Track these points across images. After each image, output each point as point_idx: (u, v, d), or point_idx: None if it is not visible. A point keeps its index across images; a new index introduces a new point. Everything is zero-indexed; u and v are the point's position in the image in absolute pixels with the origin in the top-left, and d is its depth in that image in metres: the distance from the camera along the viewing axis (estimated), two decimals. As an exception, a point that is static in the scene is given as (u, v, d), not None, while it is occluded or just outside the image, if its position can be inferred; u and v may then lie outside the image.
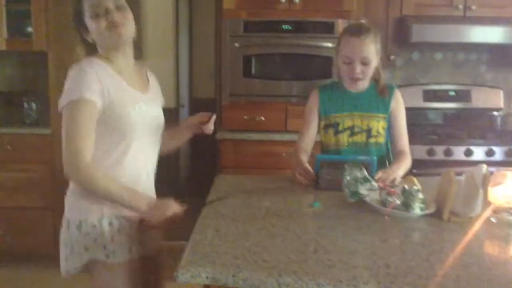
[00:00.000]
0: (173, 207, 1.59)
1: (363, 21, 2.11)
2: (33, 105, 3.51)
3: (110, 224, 1.59)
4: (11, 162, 3.31)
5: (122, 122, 1.57)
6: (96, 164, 1.54)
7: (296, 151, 2.16)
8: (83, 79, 1.51)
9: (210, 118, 1.82)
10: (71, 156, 1.51)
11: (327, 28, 3.21)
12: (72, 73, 1.55)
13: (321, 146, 2.24)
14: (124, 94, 1.59)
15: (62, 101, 1.54)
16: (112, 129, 1.56)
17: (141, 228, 1.63)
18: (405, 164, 2.09)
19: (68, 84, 1.55)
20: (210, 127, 1.84)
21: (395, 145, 2.17)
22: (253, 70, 3.28)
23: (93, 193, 1.55)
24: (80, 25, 1.61)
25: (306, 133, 2.21)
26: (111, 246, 1.57)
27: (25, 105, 3.51)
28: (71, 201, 1.64)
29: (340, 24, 3.17)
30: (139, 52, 1.75)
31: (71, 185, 1.65)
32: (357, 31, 2.03)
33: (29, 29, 3.32)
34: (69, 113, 1.52)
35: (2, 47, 3.30)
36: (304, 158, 2.11)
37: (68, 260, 1.61)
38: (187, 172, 6.00)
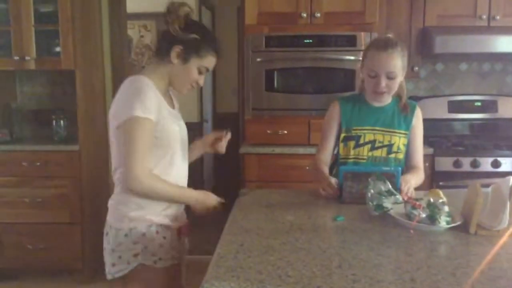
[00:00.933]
0: (213, 200, 1.81)
1: (390, 35, 2.09)
2: (61, 122, 3.59)
3: (157, 232, 1.72)
4: (40, 178, 3.39)
5: (171, 138, 1.74)
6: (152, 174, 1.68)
7: (318, 164, 2.16)
8: (143, 97, 1.62)
9: (225, 135, 2.00)
10: (132, 170, 1.61)
11: (349, 41, 3.21)
12: (131, 89, 1.66)
13: (336, 158, 2.22)
14: (168, 111, 1.74)
15: (122, 115, 1.63)
16: (160, 143, 1.70)
17: (178, 234, 1.81)
18: (418, 176, 2.10)
19: (127, 100, 1.64)
20: (223, 145, 2.02)
21: (409, 160, 2.17)
22: (275, 84, 3.31)
23: (154, 198, 1.69)
24: (187, 50, 1.72)
25: (326, 145, 2.20)
26: (158, 252, 1.71)
27: (54, 122, 3.59)
28: (119, 211, 1.72)
29: (363, 37, 3.18)
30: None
31: (117, 196, 1.75)
32: (384, 44, 2.01)
33: (57, 48, 3.41)
34: (132, 129, 1.61)
35: (32, 66, 3.39)
36: (327, 170, 2.11)
37: (116, 266, 1.71)
38: (211, 186, 6.03)
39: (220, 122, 6.26)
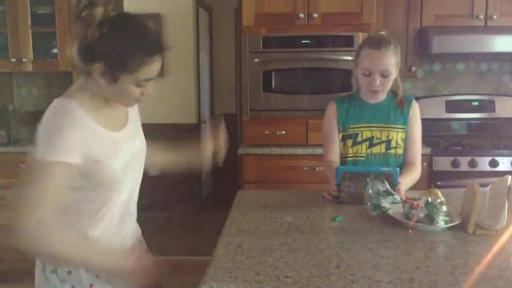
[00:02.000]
0: (148, 276, 1.39)
1: (382, 32, 2.09)
2: (59, 124, 3.58)
3: (87, 271, 1.41)
4: (38, 180, 3.38)
5: (108, 177, 1.39)
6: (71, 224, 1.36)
7: (329, 164, 2.15)
8: (63, 136, 1.28)
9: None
10: (26, 216, 1.25)
11: (347, 42, 3.22)
12: (52, 121, 1.31)
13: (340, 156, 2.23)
14: (104, 144, 1.37)
15: (35, 154, 1.28)
16: (95, 186, 1.38)
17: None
18: (412, 176, 2.09)
19: (43, 135, 1.30)
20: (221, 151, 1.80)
21: (406, 156, 2.16)
22: (273, 85, 3.31)
23: (53, 259, 1.37)
24: (109, 68, 1.30)
25: (332, 145, 2.20)
26: None
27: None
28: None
29: (360, 37, 3.18)
30: (161, 70, 1.68)
31: None
32: (377, 43, 2.02)
33: (54, 50, 3.41)
34: (38, 173, 1.26)
35: (29, 68, 3.39)
36: None
37: None
38: (209, 187, 6.03)
39: (218, 123, 6.25)
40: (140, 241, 1.66)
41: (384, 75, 2.02)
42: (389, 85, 2.07)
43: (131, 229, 1.57)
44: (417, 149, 2.17)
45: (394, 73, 2.05)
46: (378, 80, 2.02)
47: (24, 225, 1.24)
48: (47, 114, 1.32)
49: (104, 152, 1.36)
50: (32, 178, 1.26)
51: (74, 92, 1.38)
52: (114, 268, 1.39)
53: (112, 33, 1.29)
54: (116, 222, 1.47)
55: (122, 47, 1.30)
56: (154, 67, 1.34)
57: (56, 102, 1.34)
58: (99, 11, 1.28)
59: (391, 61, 2.01)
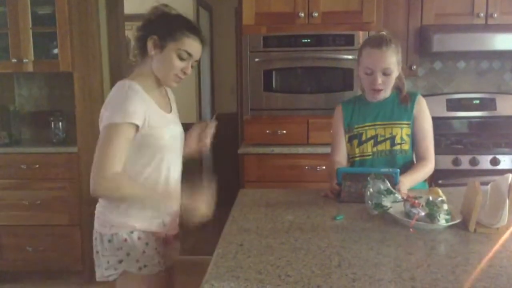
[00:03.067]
0: (202, 211, 1.70)
1: (383, 32, 2.10)
2: (60, 124, 3.59)
3: (139, 238, 1.68)
4: (39, 180, 3.39)
5: (159, 143, 1.68)
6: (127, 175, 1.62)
7: (333, 164, 2.16)
8: (127, 103, 1.58)
9: (210, 122, 1.95)
10: (98, 168, 1.55)
11: (347, 41, 3.21)
12: (117, 94, 1.63)
13: (347, 158, 2.25)
14: (159, 117, 1.69)
15: (104, 120, 1.59)
16: (147, 148, 1.66)
17: (164, 241, 1.76)
18: (420, 174, 2.08)
19: (112, 105, 1.61)
20: (207, 140, 1.94)
21: (417, 151, 2.15)
22: (273, 84, 3.30)
23: (117, 199, 1.65)
24: (160, 38, 1.66)
25: (338, 146, 2.22)
26: (142, 259, 1.67)
27: (52, 124, 3.59)
28: (102, 216, 1.71)
29: (361, 36, 3.18)
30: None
31: (101, 201, 1.73)
32: (378, 42, 2.03)
33: (55, 50, 3.41)
34: (108, 134, 1.57)
35: (29, 68, 3.39)
36: None
37: (107, 270, 1.69)
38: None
39: (219, 122, 6.25)
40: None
41: (386, 73, 2.03)
42: (391, 83, 2.07)
43: (171, 207, 1.77)
44: (428, 143, 2.14)
45: (396, 72, 2.05)
46: (380, 79, 2.03)
47: (104, 177, 1.54)
48: (114, 90, 1.65)
49: (158, 122, 1.66)
50: (107, 138, 1.56)
51: (133, 77, 1.71)
52: (165, 202, 1.72)
53: (165, 15, 1.71)
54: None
55: (170, 23, 1.69)
56: (194, 43, 1.71)
57: (120, 82, 1.67)
58: (162, 7, 1.73)
59: (393, 59, 2.02)
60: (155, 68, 1.71)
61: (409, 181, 1.98)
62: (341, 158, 2.21)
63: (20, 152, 3.41)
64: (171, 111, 1.83)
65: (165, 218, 1.76)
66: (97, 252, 1.72)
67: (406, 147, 2.13)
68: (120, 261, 1.66)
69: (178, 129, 1.83)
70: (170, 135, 1.74)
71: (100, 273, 1.72)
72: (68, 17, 3.30)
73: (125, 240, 1.66)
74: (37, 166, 3.36)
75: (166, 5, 1.74)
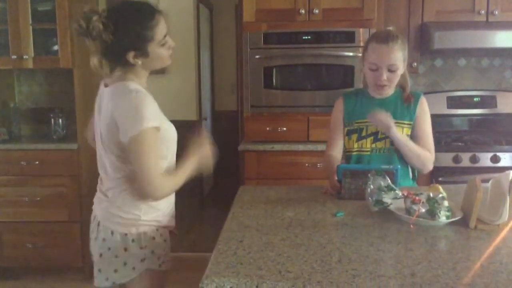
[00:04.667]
0: (208, 151, 1.78)
1: (390, 28, 2.09)
2: (60, 121, 3.58)
3: (161, 235, 1.73)
4: (39, 177, 3.38)
5: (171, 138, 1.73)
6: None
7: (329, 160, 2.16)
8: (145, 106, 1.57)
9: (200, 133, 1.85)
10: (151, 176, 1.57)
11: (348, 38, 3.21)
12: (131, 100, 1.57)
13: (343, 151, 2.24)
14: (162, 115, 1.69)
15: (133, 129, 1.54)
16: (164, 142, 1.68)
17: (172, 234, 1.82)
18: (419, 148, 2.08)
19: (131, 112, 1.56)
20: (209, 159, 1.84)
21: None
22: (274, 81, 3.30)
23: (170, 193, 1.72)
24: (138, 50, 1.60)
25: (335, 141, 2.21)
26: (162, 255, 1.72)
27: (52, 121, 3.59)
28: (120, 216, 1.67)
29: (361, 33, 3.17)
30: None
31: (117, 201, 1.68)
32: (385, 38, 2.02)
33: (55, 47, 3.40)
34: (144, 141, 1.55)
35: (29, 65, 3.39)
36: None
37: (119, 272, 1.66)
38: (211, 183, 6.04)
39: (219, 119, 6.26)
40: None
41: (391, 69, 2.02)
42: (396, 80, 2.06)
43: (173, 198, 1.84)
44: (429, 143, 2.15)
45: (401, 68, 2.05)
46: (385, 75, 2.02)
47: (154, 185, 1.57)
48: (118, 95, 1.60)
49: (163, 118, 1.67)
50: (142, 145, 1.55)
51: (129, 79, 1.65)
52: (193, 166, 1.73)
53: (118, 25, 1.57)
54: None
55: (132, 29, 1.58)
56: (162, 24, 1.63)
57: (119, 86, 1.62)
58: (95, 20, 1.55)
59: (398, 56, 2.01)
60: (148, 67, 1.69)
61: (403, 136, 2.00)
62: (337, 153, 2.21)
63: (20, 148, 3.41)
64: None
65: (172, 210, 1.81)
66: (103, 254, 1.67)
67: None
68: (143, 260, 1.66)
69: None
70: (172, 127, 1.76)
71: (105, 276, 1.67)
72: (68, 14, 3.29)
73: (153, 238, 1.69)
74: (37, 162, 3.36)
75: (113, 6, 1.63)
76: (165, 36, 1.65)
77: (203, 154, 1.77)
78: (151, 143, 1.57)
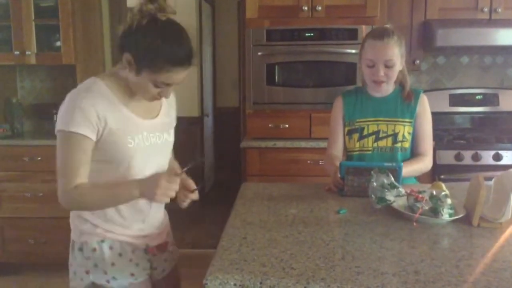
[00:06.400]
0: (172, 185, 1.46)
1: (387, 25, 2.09)
2: (62, 117, 3.58)
3: (111, 248, 1.56)
4: (41, 172, 3.39)
5: (120, 152, 1.48)
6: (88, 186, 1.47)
7: (330, 158, 2.16)
8: (78, 108, 1.40)
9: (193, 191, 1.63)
10: (61, 183, 1.44)
11: (351, 35, 3.20)
12: (71, 94, 1.46)
13: (345, 151, 2.23)
14: (124, 121, 1.48)
15: (57, 123, 1.44)
16: (108, 158, 1.49)
17: (150, 252, 1.65)
18: (417, 165, 2.08)
19: (63, 106, 1.44)
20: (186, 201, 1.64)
21: (416, 148, 2.15)
22: (276, 78, 3.30)
23: (88, 209, 1.52)
24: (136, 68, 1.42)
25: (336, 140, 2.21)
26: (111, 271, 1.56)
27: (55, 117, 3.58)
28: (74, 223, 1.60)
29: (364, 30, 3.17)
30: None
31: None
32: (380, 34, 2.02)
33: (58, 43, 3.40)
34: (62, 143, 1.43)
35: (32, 61, 3.39)
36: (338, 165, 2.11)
37: (72, 281, 1.60)
38: (213, 180, 6.04)
39: (221, 116, 6.26)
40: (167, 233, 1.77)
41: (388, 65, 2.02)
42: (393, 76, 2.06)
43: (152, 217, 1.65)
44: (428, 143, 2.15)
45: (398, 64, 2.04)
46: (382, 71, 2.02)
47: (64, 191, 1.43)
48: (72, 90, 1.47)
49: (120, 127, 1.46)
50: (60, 148, 1.43)
51: (107, 75, 1.53)
52: (130, 193, 1.48)
53: (148, 29, 1.39)
54: (132, 206, 1.56)
55: (151, 45, 1.38)
56: (175, 76, 1.44)
57: (87, 80, 1.50)
58: (150, 7, 1.38)
59: (395, 51, 2.00)
60: (130, 81, 1.48)
61: (406, 170, 1.98)
62: (339, 152, 2.21)
63: (23, 144, 3.41)
64: (154, 117, 1.60)
65: (149, 228, 1.64)
66: (69, 261, 1.62)
67: (406, 145, 2.13)
68: (87, 272, 1.56)
69: (161, 138, 1.61)
70: (141, 144, 1.52)
71: (71, 285, 1.61)
72: (71, 10, 3.30)
73: (94, 249, 1.55)
74: (39, 158, 3.36)
75: (172, 20, 1.44)
76: (168, 84, 1.45)
77: (155, 189, 1.44)
78: (67, 147, 1.41)
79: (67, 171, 1.43)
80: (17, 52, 3.35)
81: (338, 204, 1.82)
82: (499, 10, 3.30)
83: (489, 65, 3.79)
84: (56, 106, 3.59)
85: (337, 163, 2.07)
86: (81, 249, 1.56)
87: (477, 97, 3.69)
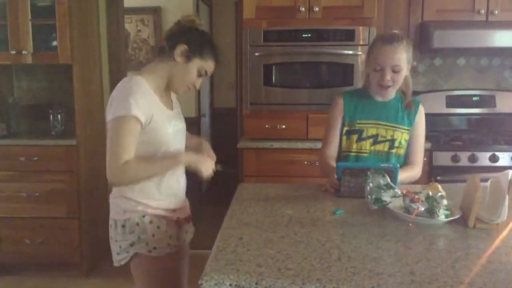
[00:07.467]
0: (208, 163, 1.88)
1: (395, 31, 2.10)
2: (59, 116, 3.58)
3: (151, 222, 1.78)
4: (37, 172, 3.38)
5: (162, 138, 1.78)
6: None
7: (326, 159, 2.16)
8: (131, 97, 1.67)
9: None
10: (112, 161, 1.66)
11: (348, 36, 3.21)
12: (121, 89, 1.72)
13: (339, 150, 2.23)
14: (161, 112, 1.78)
15: (110, 114, 1.69)
16: (151, 142, 1.75)
17: (177, 224, 1.87)
18: (408, 173, 2.12)
19: (116, 99, 1.70)
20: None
21: (408, 157, 2.18)
22: (273, 79, 3.30)
23: (138, 179, 1.74)
24: (188, 56, 1.77)
25: (332, 139, 2.20)
26: (152, 242, 1.78)
27: (51, 117, 3.58)
28: (116, 203, 1.82)
29: (361, 32, 3.17)
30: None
31: (114, 190, 1.84)
32: (389, 38, 2.03)
33: (54, 42, 3.39)
34: (115, 127, 1.67)
35: (28, 60, 3.38)
36: (334, 166, 2.11)
37: (119, 254, 1.81)
38: (209, 181, 6.02)
39: (218, 117, 6.25)
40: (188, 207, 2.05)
41: (395, 70, 2.02)
42: (399, 81, 2.06)
43: (181, 192, 1.96)
44: (421, 152, 2.20)
45: (405, 70, 2.05)
46: (389, 75, 2.02)
47: (116, 167, 1.65)
48: (118, 84, 1.74)
49: (161, 117, 1.76)
50: (114, 132, 1.67)
51: (143, 72, 1.81)
52: (176, 162, 1.83)
53: (195, 30, 1.83)
54: (166, 182, 1.84)
55: (201, 39, 1.82)
56: (213, 65, 1.86)
57: (126, 77, 1.79)
58: (191, 18, 1.85)
59: (403, 56, 2.01)
60: (174, 72, 1.80)
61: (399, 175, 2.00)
62: (333, 152, 2.20)
63: (19, 144, 3.40)
64: (172, 108, 1.91)
65: (176, 203, 1.89)
66: (111, 238, 1.84)
67: (401, 151, 2.15)
68: (132, 244, 1.77)
69: (181, 125, 1.93)
70: (173, 130, 1.83)
71: (114, 258, 1.84)
72: (68, 9, 3.28)
73: (137, 224, 1.77)
74: (36, 158, 3.35)
75: (194, 19, 1.86)
76: (205, 73, 1.84)
77: (199, 158, 1.86)
78: (121, 129, 1.66)
79: (119, 149, 1.65)
80: (13, 52, 3.33)
81: (334, 205, 1.82)
82: (496, 12, 3.31)
83: (485, 66, 3.80)
84: (52, 106, 3.62)
85: (333, 164, 2.07)
86: (123, 226, 1.78)
87: (474, 98, 3.70)
